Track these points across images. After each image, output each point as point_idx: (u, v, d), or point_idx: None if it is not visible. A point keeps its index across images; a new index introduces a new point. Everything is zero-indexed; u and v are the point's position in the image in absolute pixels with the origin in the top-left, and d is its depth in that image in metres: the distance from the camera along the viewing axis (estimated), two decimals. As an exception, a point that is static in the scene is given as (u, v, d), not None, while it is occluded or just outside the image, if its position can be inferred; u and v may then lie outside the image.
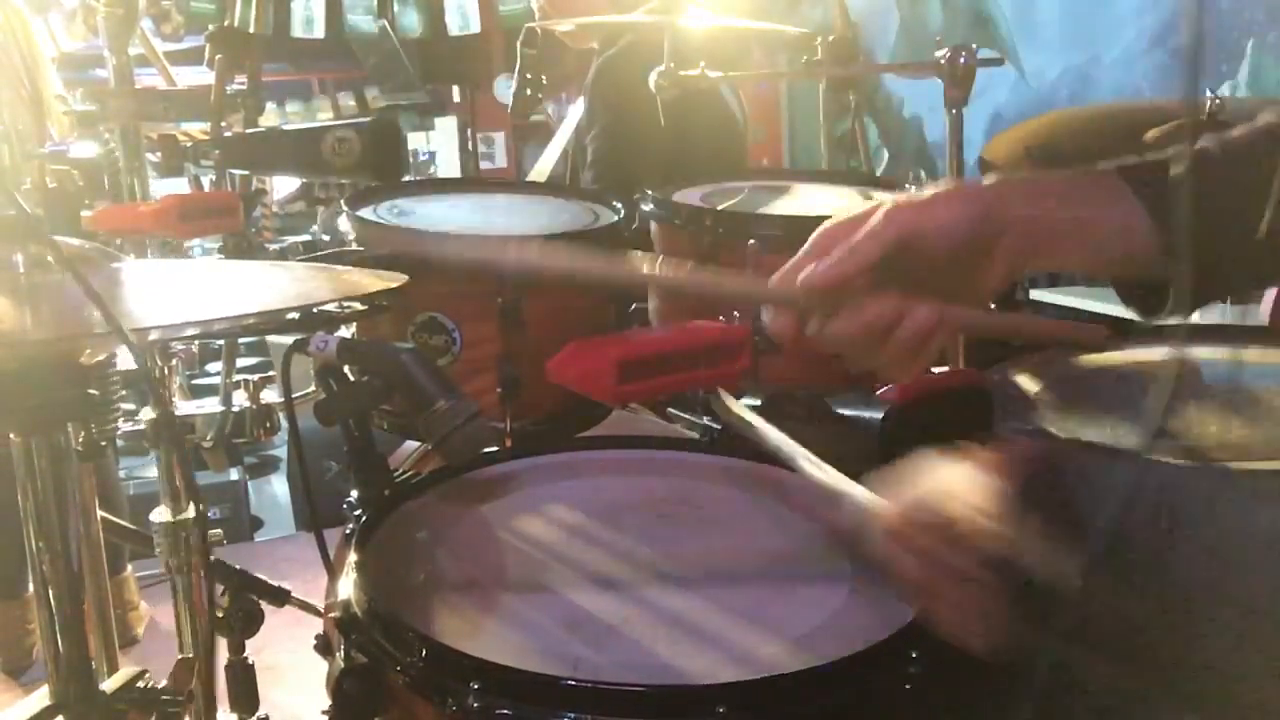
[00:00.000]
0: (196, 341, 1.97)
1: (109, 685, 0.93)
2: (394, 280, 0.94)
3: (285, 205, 4.98)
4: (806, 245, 0.76)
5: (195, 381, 1.72)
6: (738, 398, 1.21)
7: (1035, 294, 4.58)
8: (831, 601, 0.85)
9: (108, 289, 0.91)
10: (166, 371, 1.56)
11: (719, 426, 1.32)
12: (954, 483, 0.75)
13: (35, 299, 0.86)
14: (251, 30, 1.71)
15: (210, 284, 1.05)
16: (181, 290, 1.02)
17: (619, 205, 1.55)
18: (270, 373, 1.70)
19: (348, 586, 0.85)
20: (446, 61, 7.04)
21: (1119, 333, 1.60)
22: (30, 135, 2.38)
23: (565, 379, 1.18)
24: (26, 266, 0.86)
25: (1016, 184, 0.76)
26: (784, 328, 0.76)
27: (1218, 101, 1.28)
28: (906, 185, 1.50)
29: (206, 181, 1.73)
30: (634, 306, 1.54)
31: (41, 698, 0.90)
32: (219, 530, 1.64)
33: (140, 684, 0.95)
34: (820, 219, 0.75)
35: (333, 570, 0.94)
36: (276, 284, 1.02)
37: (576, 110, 2.39)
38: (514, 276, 1.32)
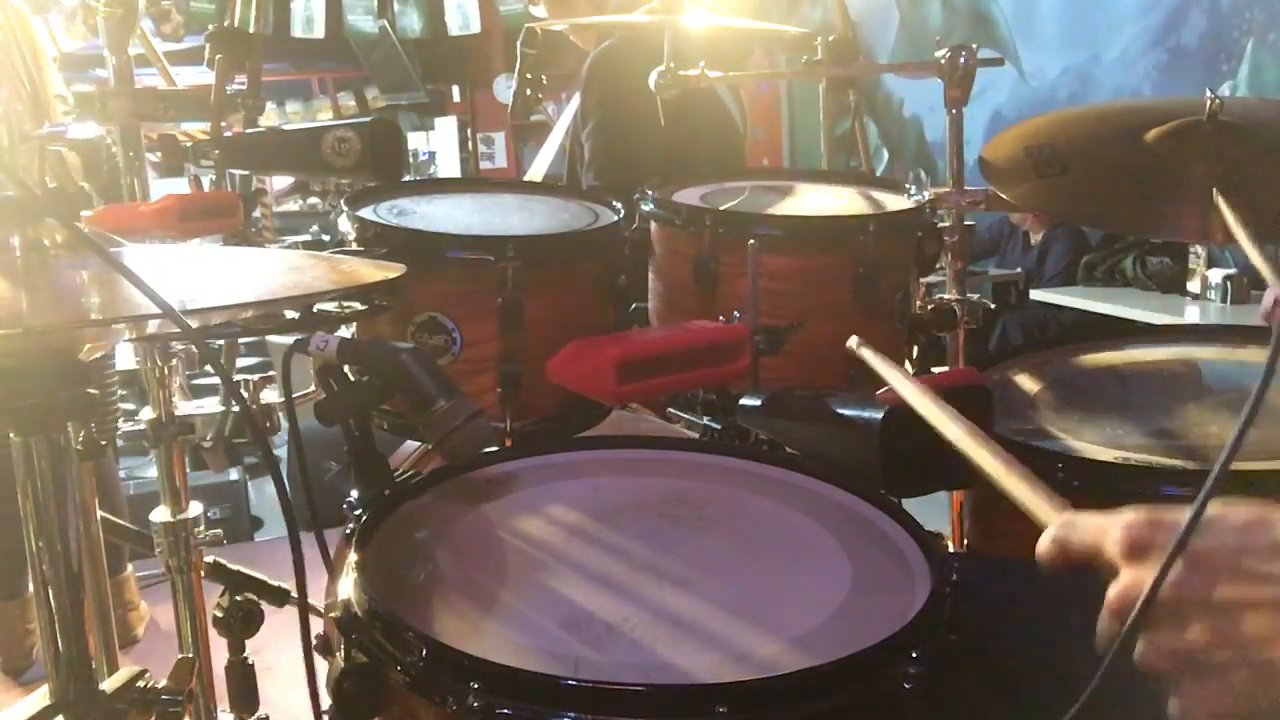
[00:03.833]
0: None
1: (109, 685, 0.93)
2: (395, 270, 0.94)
3: (277, 199, 5.00)
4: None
5: (195, 381, 1.71)
6: (738, 398, 1.21)
7: (1035, 294, 4.59)
8: (831, 601, 0.85)
9: (108, 272, 0.90)
10: (166, 371, 1.56)
11: (719, 426, 1.32)
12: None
13: (31, 284, 0.86)
14: (251, 30, 1.70)
15: (228, 270, 1.05)
16: (194, 275, 1.01)
17: (619, 205, 1.55)
18: (270, 373, 1.70)
19: (348, 586, 0.84)
20: (446, 61, 7.06)
21: (1119, 333, 1.61)
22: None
23: (565, 379, 1.18)
24: (23, 249, 0.85)
25: None
26: None
27: (1218, 102, 1.28)
28: (907, 185, 1.50)
29: (206, 181, 1.73)
30: (634, 306, 1.54)
31: (41, 698, 0.90)
32: (219, 530, 1.64)
33: (140, 684, 0.95)
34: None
35: (333, 570, 0.94)
36: (286, 270, 1.02)
37: (573, 108, 2.39)
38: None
